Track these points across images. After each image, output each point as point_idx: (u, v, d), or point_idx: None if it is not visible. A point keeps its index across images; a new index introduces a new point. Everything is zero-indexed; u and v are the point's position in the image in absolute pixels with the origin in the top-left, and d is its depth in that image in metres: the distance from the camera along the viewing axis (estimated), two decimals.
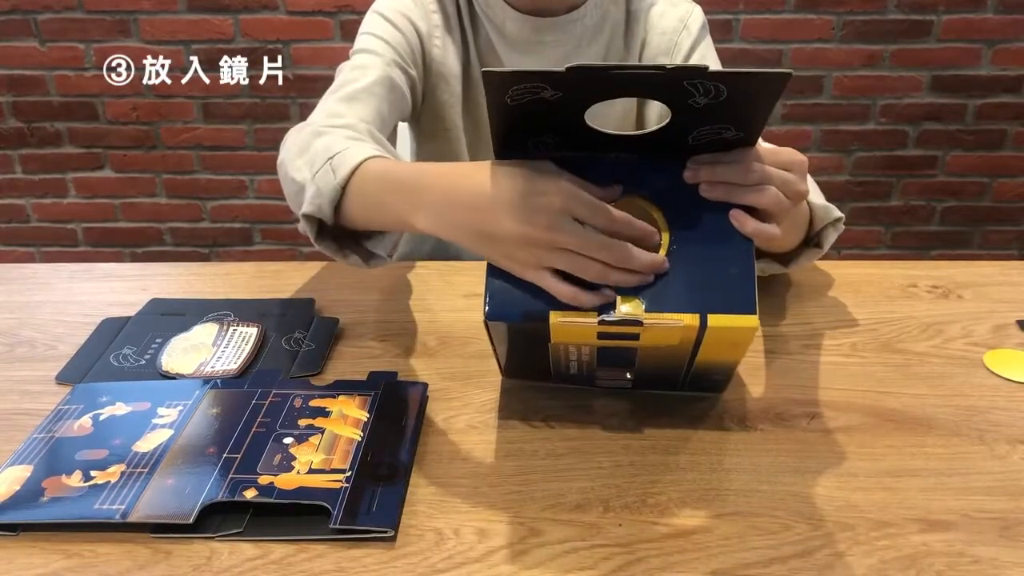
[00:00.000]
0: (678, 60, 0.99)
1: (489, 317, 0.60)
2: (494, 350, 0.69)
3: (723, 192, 0.61)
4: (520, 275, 0.60)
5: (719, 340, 0.60)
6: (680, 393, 0.71)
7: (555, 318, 0.59)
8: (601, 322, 0.59)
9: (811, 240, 0.83)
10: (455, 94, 0.99)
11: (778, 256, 0.84)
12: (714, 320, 0.59)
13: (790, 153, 0.64)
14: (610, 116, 1.02)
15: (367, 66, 0.91)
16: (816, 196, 0.82)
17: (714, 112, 0.56)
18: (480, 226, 0.60)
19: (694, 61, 0.99)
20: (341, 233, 0.78)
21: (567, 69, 0.52)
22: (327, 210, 0.73)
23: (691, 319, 0.59)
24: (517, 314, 0.60)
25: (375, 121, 0.87)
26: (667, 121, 0.58)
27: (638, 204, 0.61)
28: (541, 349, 0.64)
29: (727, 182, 0.61)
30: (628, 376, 0.68)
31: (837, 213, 0.83)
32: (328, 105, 0.88)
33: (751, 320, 0.59)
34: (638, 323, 0.59)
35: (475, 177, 0.61)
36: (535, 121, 0.58)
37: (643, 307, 0.59)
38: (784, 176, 0.61)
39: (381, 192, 0.70)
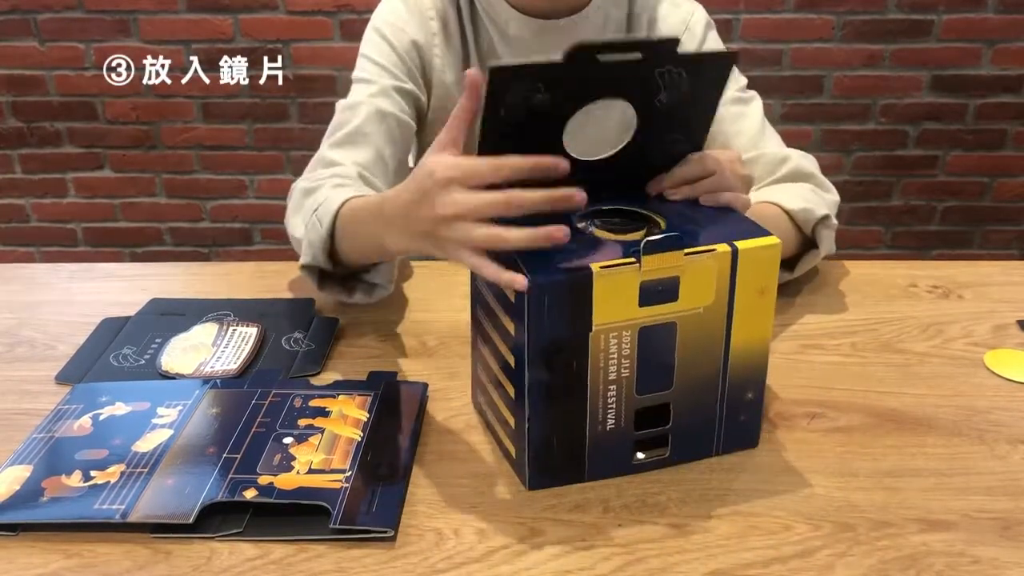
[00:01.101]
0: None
1: (537, 279, 0.56)
2: (510, 444, 0.66)
3: (686, 191, 0.68)
4: (455, 259, 0.60)
5: (750, 275, 0.61)
6: (716, 458, 0.67)
7: (598, 267, 0.57)
8: (646, 243, 0.57)
9: (809, 243, 0.85)
10: (454, 102, 0.98)
11: (783, 263, 0.87)
12: (742, 244, 0.60)
13: (722, 151, 0.72)
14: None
15: (357, 105, 0.94)
16: (793, 202, 0.87)
17: (671, 114, 0.65)
18: (415, 227, 0.63)
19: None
20: (345, 273, 0.85)
21: (567, 54, 0.57)
22: (321, 258, 0.80)
23: (722, 247, 0.60)
24: (558, 272, 0.57)
25: (369, 161, 0.91)
26: (629, 138, 0.66)
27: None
28: (579, 361, 0.60)
29: (687, 180, 0.68)
30: (666, 422, 0.64)
31: (820, 212, 0.86)
32: (323, 153, 0.92)
33: (772, 239, 0.61)
34: (679, 243, 0.58)
35: (402, 191, 0.65)
36: (518, 138, 0.61)
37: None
38: (731, 163, 0.70)
39: (358, 227, 0.76)
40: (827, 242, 0.87)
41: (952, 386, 0.75)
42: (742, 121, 0.96)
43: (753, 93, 0.99)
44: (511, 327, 0.60)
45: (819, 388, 0.75)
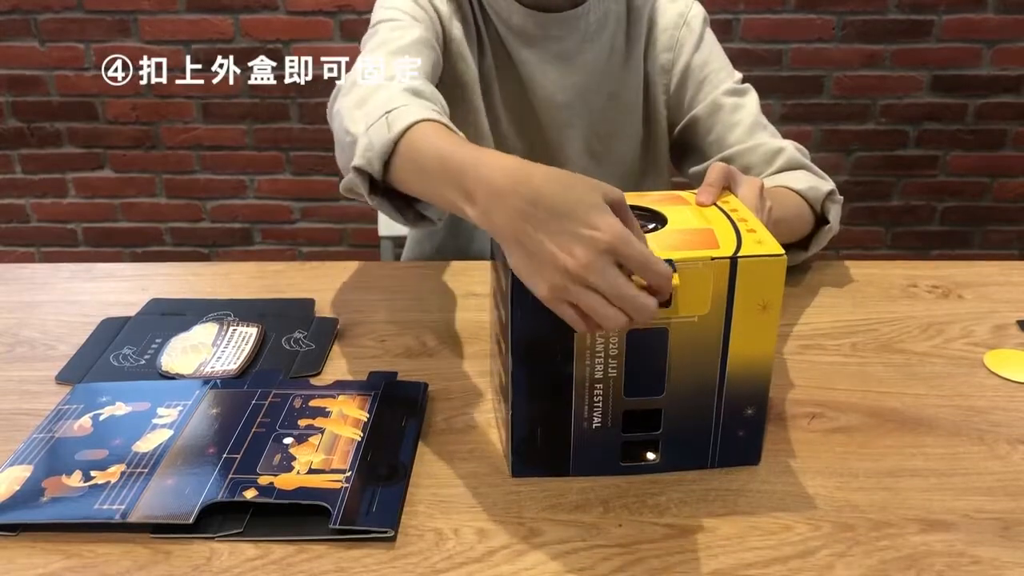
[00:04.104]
0: (682, 57, 1.00)
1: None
2: (501, 422, 0.67)
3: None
4: (541, 297, 0.55)
5: (751, 288, 0.58)
6: (711, 471, 0.65)
7: None
8: None
9: (820, 220, 0.90)
10: (473, 76, 0.99)
11: (798, 243, 0.92)
12: (743, 254, 0.58)
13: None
14: (616, 117, 1.03)
15: (406, 26, 0.89)
16: (799, 183, 0.90)
17: None
18: (523, 238, 0.56)
19: (697, 57, 1.00)
20: (389, 191, 0.73)
21: None
22: (376, 165, 0.69)
23: (720, 255, 0.58)
24: None
25: (427, 76, 0.84)
26: None
27: None
28: (564, 357, 0.59)
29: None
30: (656, 427, 0.63)
31: (827, 187, 0.91)
32: (377, 59, 0.83)
33: (776, 251, 0.59)
34: (670, 263, 0.56)
35: (533, 184, 0.56)
36: None
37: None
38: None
39: (432, 167, 0.65)
40: (835, 216, 0.91)
41: (952, 386, 0.75)
42: (739, 112, 0.98)
43: (749, 86, 1.01)
44: (504, 314, 0.61)
45: (819, 388, 0.75)
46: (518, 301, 0.58)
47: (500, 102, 1.01)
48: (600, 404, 0.62)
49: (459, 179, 0.61)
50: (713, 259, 0.58)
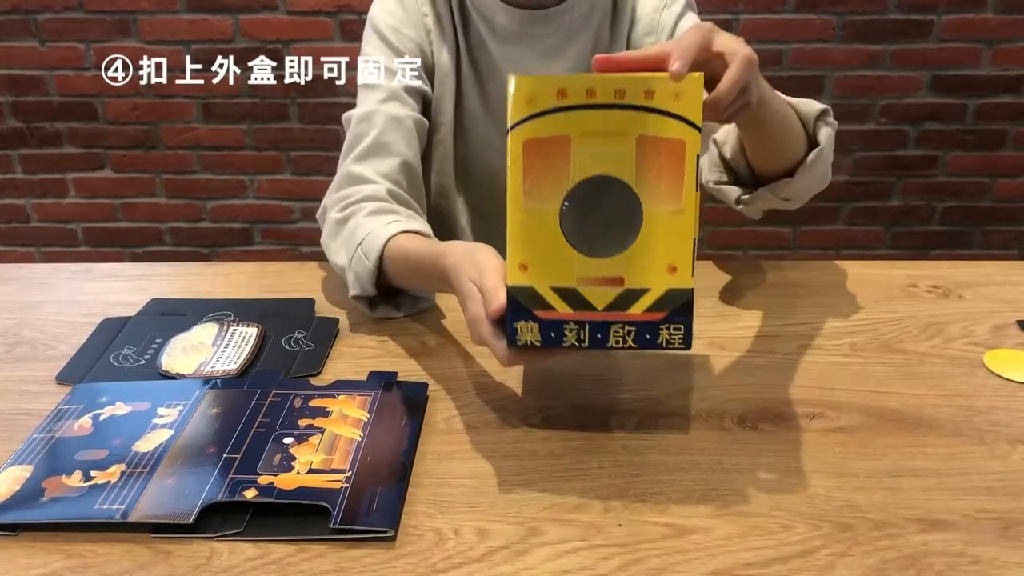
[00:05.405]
0: (663, 38, 0.99)
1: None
2: None
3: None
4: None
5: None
6: None
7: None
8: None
9: (811, 142, 0.83)
10: (449, 90, 0.99)
11: (786, 170, 0.84)
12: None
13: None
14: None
15: (371, 115, 0.93)
16: (790, 98, 0.83)
17: None
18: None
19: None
20: (393, 291, 0.88)
21: None
22: (370, 289, 0.83)
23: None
24: None
25: (394, 170, 0.91)
26: None
27: None
28: None
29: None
30: None
31: (820, 105, 0.83)
32: (348, 169, 0.91)
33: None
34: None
35: (459, 281, 0.69)
36: None
37: None
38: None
39: (409, 271, 0.81)
40: (827, 139, 0.83)
41: (952, 386, 0.75)
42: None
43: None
44: None
45: (819, 388, 0.75)
46: None
47: (478, 109, 1.01)
48: None
49: (427, 273, 0.77)
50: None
